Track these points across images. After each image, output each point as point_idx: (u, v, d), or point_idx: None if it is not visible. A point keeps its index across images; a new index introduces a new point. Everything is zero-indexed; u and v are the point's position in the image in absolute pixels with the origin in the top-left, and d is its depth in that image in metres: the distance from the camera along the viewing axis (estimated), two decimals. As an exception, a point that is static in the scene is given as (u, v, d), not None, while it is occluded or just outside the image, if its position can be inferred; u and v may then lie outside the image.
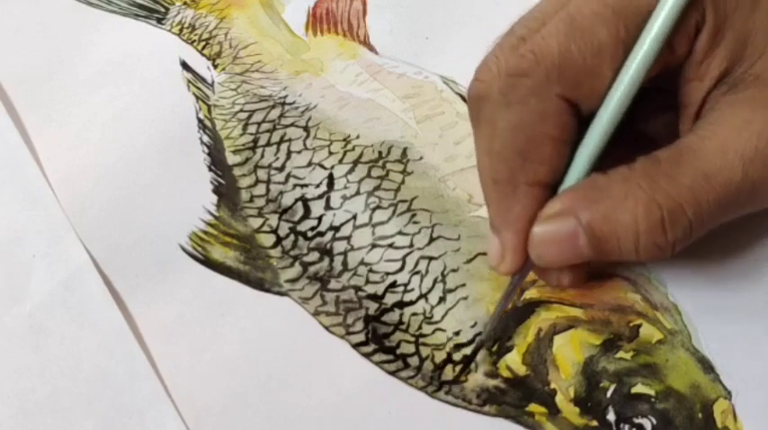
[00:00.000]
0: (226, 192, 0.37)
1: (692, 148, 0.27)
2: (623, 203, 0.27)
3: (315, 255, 0.35)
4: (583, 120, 0.28)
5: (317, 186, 0.36)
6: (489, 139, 0.29)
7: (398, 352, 0.33)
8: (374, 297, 0.34)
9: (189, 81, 0.41)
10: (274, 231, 0.36)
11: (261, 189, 0.37)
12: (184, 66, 0.41)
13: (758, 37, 0.27)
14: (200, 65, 0.41)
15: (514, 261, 0.29)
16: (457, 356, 0.32)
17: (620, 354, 0.31)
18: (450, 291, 0.33)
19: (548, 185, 0.29)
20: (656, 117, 0.31)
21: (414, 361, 0.32)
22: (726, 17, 0.27)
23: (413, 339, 0.33)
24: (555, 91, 0.27)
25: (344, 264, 0.35)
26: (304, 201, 0.36)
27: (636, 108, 0.31)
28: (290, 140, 0.38)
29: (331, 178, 0.36)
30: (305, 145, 0.38)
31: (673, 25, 0.27)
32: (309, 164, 0.37)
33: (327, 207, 0.36)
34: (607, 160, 0.28)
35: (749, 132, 0.26)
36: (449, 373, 0.32)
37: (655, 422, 0.30)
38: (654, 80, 0.29)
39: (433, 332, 0.33)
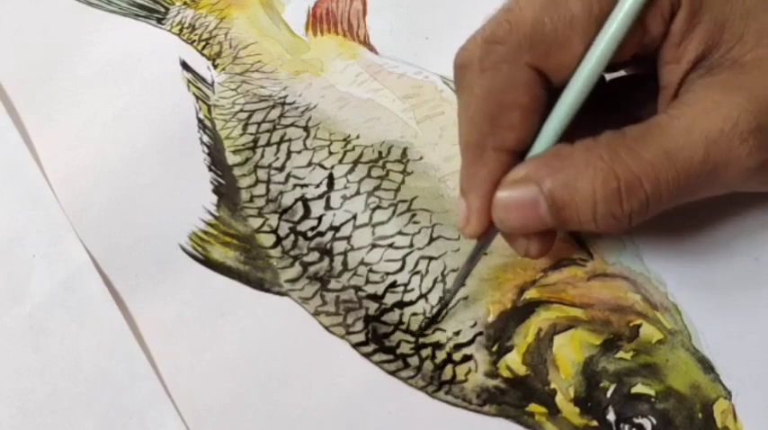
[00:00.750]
0: (226, 192, 0.37)
1: (660, 126, 0.28)
2: (583, 172, 0.27)
3: (315, 255, 0.35)
4: (553, 94, 0.29)
5: (317, 186, 0.36)
6: (467, 106, 0.30)
7: (398, 352, 0.33)
8: (374, 297, 0.34)
9: (189, 81, 0.41)
10: (274, 231, 0.36)
11: (261, 189, 0.37)
12: (184, 66, 0.41)
13: (735, 22, 0.27)
14: (200, 65, 0.41)
15: (479, 224, 0.30)
16: (457, 356, 0.32)
17: (620, 354, 0.31)
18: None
19: (515, 152, 0.29)
20: (648, 104, 0.31)
21: (414, 361, 0.32)
22: (702, 1, 0.27)
23: (413, 339, 0.33)
24: (525, 59, 0.28)
25: (344, 264, 0.35)
26: (304, 201, 0.36)
27: (630, 95, 0.31)
28: (290, 140, 0.38)
29: (331, 178, 0.37)
30: (305, 145, 0.38)
31: (643, 4, 0.27)
32: (309, 164, 0.37)
33: (327, 207, 0.36)
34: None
35: (717, 114, 0.27)
36: (449, 373, 0.32)
37: (655, 422, 0.30)
38: (638, 64, 0.30)
39: (433, 332, 0.33)
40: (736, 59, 0.28)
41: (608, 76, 0.32)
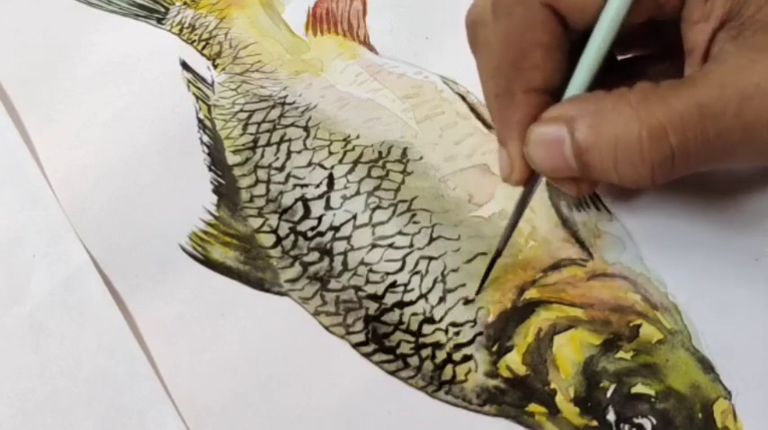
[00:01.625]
0: (226, 192, 0.37)
1: (693, 79, 0.27)
2: (609, 115, 0.27)
3: (315, 255, 0.35)
4: (575, 34, 0.29)
5: (317, 186, 0.36)
6: (487, 59, 0.30)
7: (398, 352, 0.33)
8: (374, 297, 0.34)
9: (189, 81, 0.41)
10: (274, 231, 0.36)
11: (261, 189, 0.37)
12: (184, 66, 0.41)
13: None
14: (200, 65, 0.41)
15: (523, 169, 0.30)
16: (457, 356, 0.32)
17: (620, 354, 0.31)
18: (450, 291, 0.33)
19: (544, 92, 0.29)
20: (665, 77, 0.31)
21: (414, 361, 0.32)
22: None
23: (413, 339, 0.33)
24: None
25: (344, 264, 0.35)
26: (304, 201, 0.36)
27: (646, 71, 0.31)
28: (290, 140, 0.38)
29: (331, 178, 0.36)
30: (305, 145, 0.38)
31: None
32: (309, 164, 0.37)
33: (327, 207, 0.36)
34: None
35: (752, 71, 0.26)
36: (449, 373, 0.32)
37: (655, 422, 0.30)
38: (649, 41, 0.30)
39: (433, 332, 0.33)
40: (766, 21, 0.27)
41: (619, 58, 0.32)
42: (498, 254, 0.32)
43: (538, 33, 0.28)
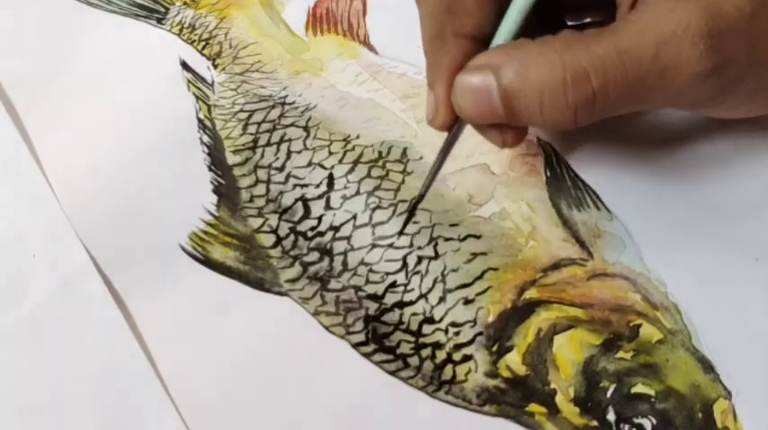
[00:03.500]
0: (226, 192, 0.37)
1: (614, 28, 0.28)
2: (535, 61, 0.28)
3: (315, 255, 0.35)
4: None
5: (317, 186, 0.36)
6: (425, 3, 0.31)
7: (398, 352, 0.33)
8: (374, 297, 0.34)
9: (189, 81, 0.41)
10: (274, 231, 0.36)
11: (261, 189, 0.37)
12: (184, 66, 0.41)
13: None
14: (201, 65, 0.41)
15: (447, 113, 0.31)
16: (457, 356, 0.32)
17: (620, 354, 0.31)
18: (450, 291, 0.33)
19: (475, 39, 0.30)
20: None
21: (414, 361, 0.32)
22: None
23: (413, 339, 0.33)
24: None
25: (344, 263, 0.35)
26: (304, 201, 0.36)
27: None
28: (290, 140, 0.38)
29: (331, 178, 0.37)
30: (305, 145, 0.38)
31: None
32: (309, 164, 0.37)
33: (327, 207, 0.36)
34: None
35: (669, 18, 0.27)
36: (449, 373, 0.32)
37: (655, 422, 0.30)
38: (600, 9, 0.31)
39: (433, 332, 0.33)
40: None
41: (570, 23, 0.33)
42: (420, 198, 0.33)
43: None
